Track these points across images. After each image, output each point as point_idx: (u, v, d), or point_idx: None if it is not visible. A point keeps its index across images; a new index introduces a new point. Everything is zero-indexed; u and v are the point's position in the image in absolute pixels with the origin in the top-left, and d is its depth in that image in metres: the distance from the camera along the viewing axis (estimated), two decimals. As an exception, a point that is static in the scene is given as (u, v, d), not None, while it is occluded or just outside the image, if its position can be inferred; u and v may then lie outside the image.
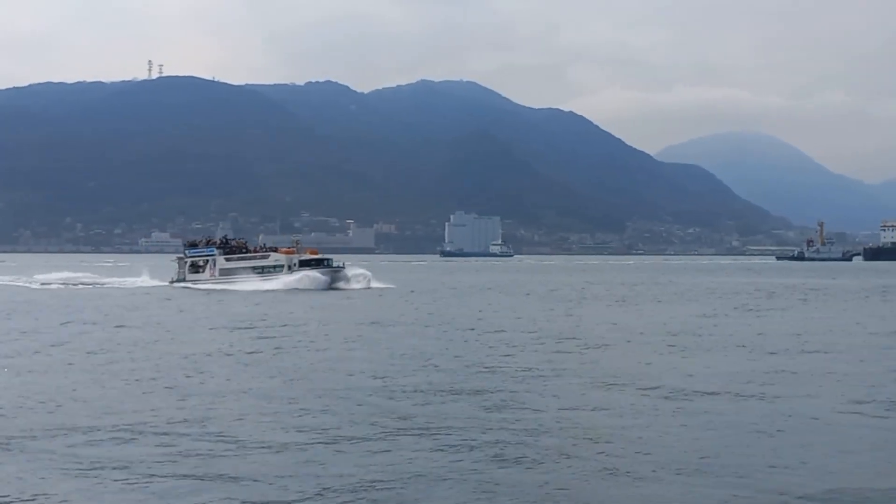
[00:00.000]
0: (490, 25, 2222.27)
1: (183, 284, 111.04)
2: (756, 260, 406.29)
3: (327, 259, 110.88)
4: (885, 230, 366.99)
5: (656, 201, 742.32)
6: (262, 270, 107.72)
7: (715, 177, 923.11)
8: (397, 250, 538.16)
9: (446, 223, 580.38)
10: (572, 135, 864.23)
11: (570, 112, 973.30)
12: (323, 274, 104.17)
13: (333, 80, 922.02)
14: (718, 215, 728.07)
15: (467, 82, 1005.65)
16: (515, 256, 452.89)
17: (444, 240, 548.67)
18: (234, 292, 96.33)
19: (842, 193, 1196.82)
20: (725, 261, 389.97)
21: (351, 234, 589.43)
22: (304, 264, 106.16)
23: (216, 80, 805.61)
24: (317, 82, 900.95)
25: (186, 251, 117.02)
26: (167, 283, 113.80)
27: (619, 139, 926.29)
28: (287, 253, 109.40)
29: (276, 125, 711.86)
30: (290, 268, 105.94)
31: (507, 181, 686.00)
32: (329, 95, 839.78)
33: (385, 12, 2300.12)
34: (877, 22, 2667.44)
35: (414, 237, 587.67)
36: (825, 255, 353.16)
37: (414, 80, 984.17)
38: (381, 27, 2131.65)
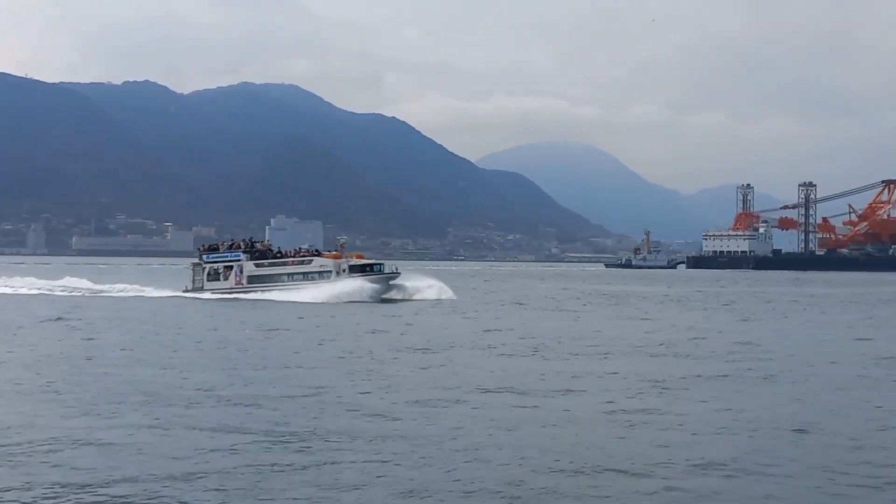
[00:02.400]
0: (308, 30, 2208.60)
1: (199, 294, 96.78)
2: (587, 267, 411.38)
3: (379, 264, 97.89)
4: (706, 239, 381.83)
5: (477, 208, 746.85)
6: (304, 277, 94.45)
7: (535, 184, 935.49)
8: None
9: (266, 227, 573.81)
10: (395, 140, 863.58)
11: (393, 117, 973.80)
12: (376, 282, 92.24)
13: (152, 80, 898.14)
14: (538, 222, 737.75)
15: (289, 85, 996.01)
16: None
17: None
18: (292, 303, 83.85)
19: (658, 203, 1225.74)
20: (557, 267, 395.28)
21: (169, 237, 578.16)
22: (357, 270, 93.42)
23: (28, 77, 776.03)
24: (135, 82, 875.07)
25: (204, 256, 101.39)
26: (180, 293, 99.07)
27: (441, 145, 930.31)
28: (334, 257, 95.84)
29: (92, 125, 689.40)
30: (338, 274, 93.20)
31: (330, 185, 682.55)
32: (147, 96, 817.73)
33: (203, 14, 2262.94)
34: (683, 38, 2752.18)
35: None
36: (652, 263, 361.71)
37: (235, 83, 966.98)
38: (199, 29, 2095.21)
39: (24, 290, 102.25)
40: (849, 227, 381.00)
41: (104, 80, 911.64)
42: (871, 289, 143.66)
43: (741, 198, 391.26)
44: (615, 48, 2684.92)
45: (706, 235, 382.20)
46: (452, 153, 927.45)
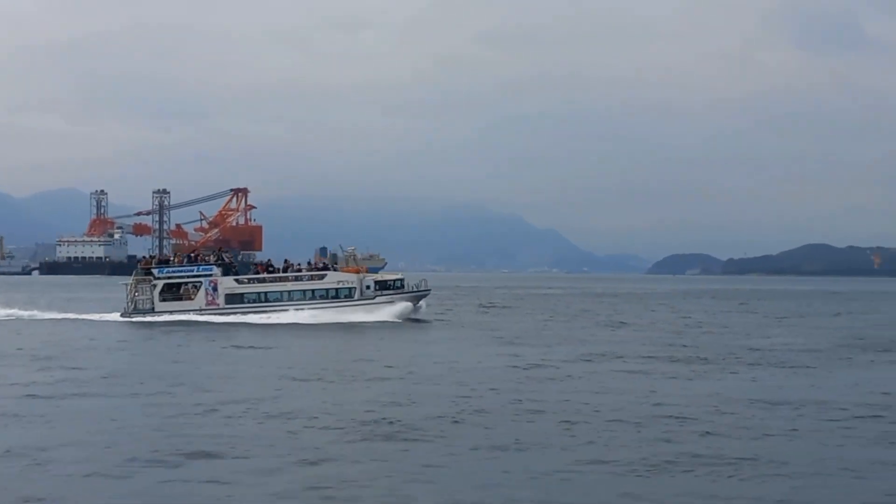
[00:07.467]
0: None
1: (150, 317, 75.57)
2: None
3: (400, 279, 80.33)
4: (60, 245, 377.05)
5: None
6: (314, 296, 76.19)
7: None
8: None
9: None
10: None
11: None
12: (412, 300, 77.17)
13: None
14: None
15: None
16: None
17: None
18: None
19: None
20: None
21: None
22: (386, 287, 77.27)
23: None
24: None
25: (157, 270, 78.93)
26: (118, 316, 77.20)
27: None
28: (354, 272, 77.46)
29: None
30: (362, 292, 75.97)
31: None
32: None
33: None
34: (19, 41, 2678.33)
35: None
36: (7, 269, 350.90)
37: None
38: None
39: None
40: (201, 233, 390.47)
41: None
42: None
43: (95, 203, 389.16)
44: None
45: (60, 241, 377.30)
46: None
